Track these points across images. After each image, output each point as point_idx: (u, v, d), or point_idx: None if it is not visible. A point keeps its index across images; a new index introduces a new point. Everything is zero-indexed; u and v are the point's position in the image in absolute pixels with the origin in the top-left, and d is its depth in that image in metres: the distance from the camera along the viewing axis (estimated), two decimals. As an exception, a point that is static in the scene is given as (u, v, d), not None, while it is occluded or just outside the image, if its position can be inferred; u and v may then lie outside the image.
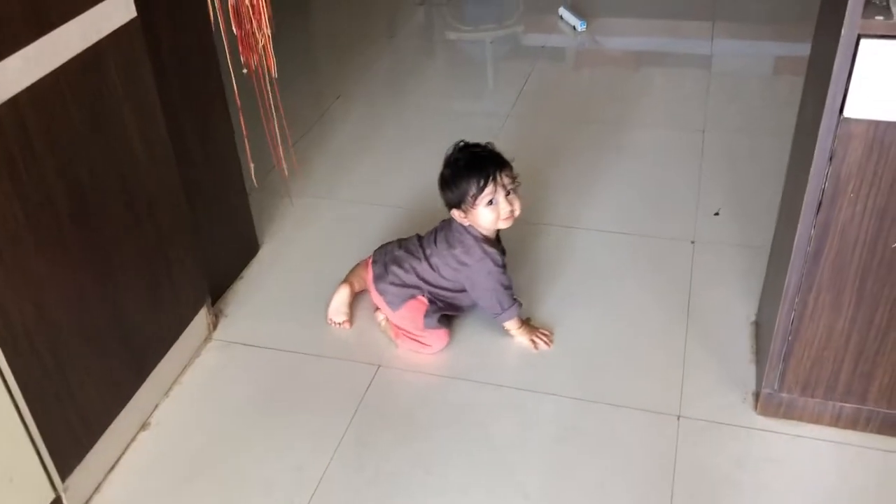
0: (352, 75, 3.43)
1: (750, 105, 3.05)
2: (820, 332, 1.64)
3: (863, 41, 1.32)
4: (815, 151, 1.45)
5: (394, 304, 2.02)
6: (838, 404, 1.73)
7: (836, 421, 1.75)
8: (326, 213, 2.56)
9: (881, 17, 1.31)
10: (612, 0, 4.08)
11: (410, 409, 1.87)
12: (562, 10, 3.83)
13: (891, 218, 1.47)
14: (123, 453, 1.79)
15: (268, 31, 1.61)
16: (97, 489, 1.71)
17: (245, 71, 1.69)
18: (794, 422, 1.78)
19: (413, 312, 2.00)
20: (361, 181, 2.71)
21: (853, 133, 1.41)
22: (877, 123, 1.39)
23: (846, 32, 1.32)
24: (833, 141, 1.43)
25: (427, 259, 2.01)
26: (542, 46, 3.63)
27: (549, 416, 1.84)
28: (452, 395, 1.91)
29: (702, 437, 1.77)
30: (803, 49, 1.79)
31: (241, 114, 1.87)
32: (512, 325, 2.02)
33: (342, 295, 2.12)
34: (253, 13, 1.55)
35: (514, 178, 1.94)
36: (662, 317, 2.09)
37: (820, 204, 1.50)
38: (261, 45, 1.62)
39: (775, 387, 1.75)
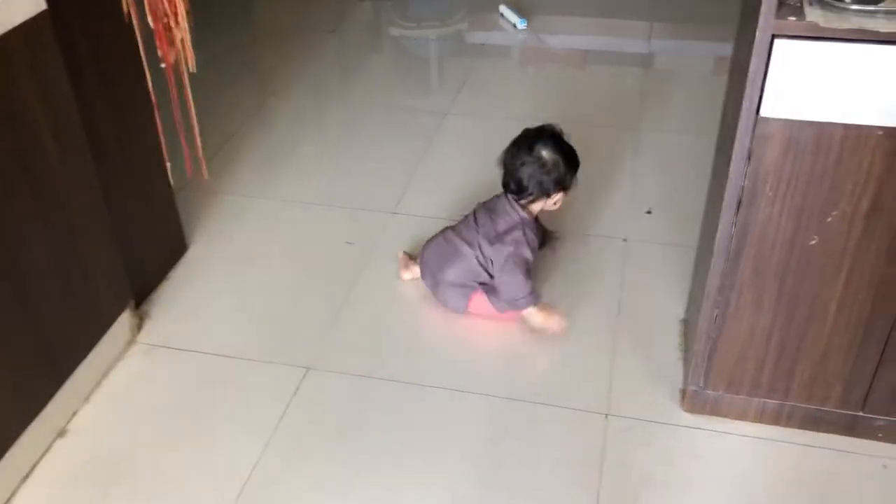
0: (291, 70, 3.38)
1: (686, 104, 3.08)
2: (743, 329, 1.66)
3: (777, 41, 1.33)
4: (734, 151, 1.45)
5: (460, 308, 2.08)
6: (762, 400, 1.75)
7: (760, 417, 1.77)
8: (258, 212, 2.52)
9: (794, 18, 1.32)
10: (551, 4, 4.10)
11: (338, 412, 1.84)
12: (502, 8, 3.82)
13: (807, 216, 1.49)
14: (38, 462, 1.72)
15: (185, 24, 1.56)
16: (8, 501, 1.64)
17: (163, 66, 1.64)
18: (719, 418, 1.80)
19: (481, 304, 2.06)
20: (295, 179, 2.67)
21: (770, 133, 1.42)
22: (792, 123, 1.40)
23: (761, 33, 1.33)
24: (751, 140, 1.44)
25: (479, 244, 2.05)
26: (483, 44, 3.62)
27: (478, 415, 1.83)
28: (381, 396, 1.88)
29: (629, 434, 1.78)
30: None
31: (156, 109, 1.82)
32: (531, 311, 2.02)
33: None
34: (169, 6, 1.51)
35: None
36: (592, 315, 2.10)
37: (739, 203, 1.51)
38: (179, 39, 1.57)
39: (701, 384, 1.77)
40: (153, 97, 1.77)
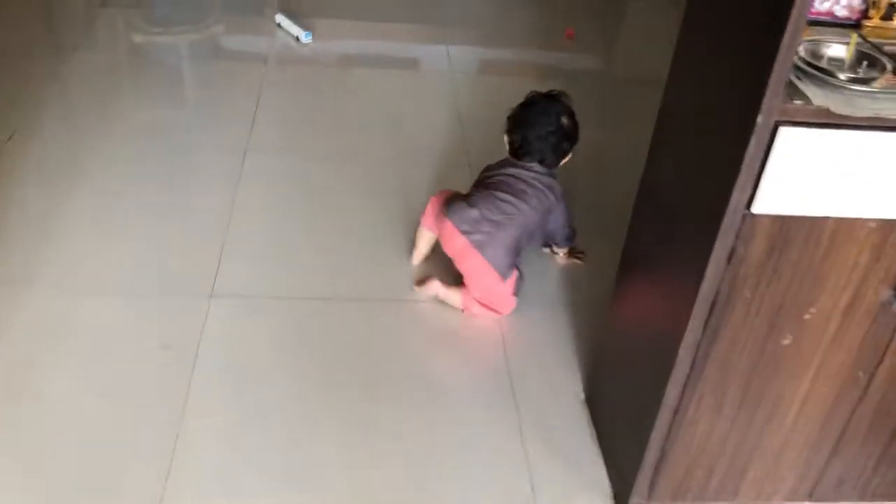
0: (32, 103, 2.66)
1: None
2: (698, 436, 1.44)
3: (781, 129, 1.10)
4: (713, 251, 1.21)
5: (506, 274, 2.00)
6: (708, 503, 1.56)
7: (704, 519, 1.59)
8: (19, 309, 1.89)
9: (801, 102, 1.09)
10: (332, 3, 3.68)
11: None
12: (280, 18, 3.34)
13: (784, 314, 1.29)
14: None
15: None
16: None
17: None
18: (660, 527, 1.58)
19: (512, 281, 2.02)
20: (66, 258, 2.05)
21: (757, 230, 1.19)
22: (783, 218, 1.19)
23: (764, 118, 1.08)
24: (735, 239, 1.20)
25: (527, 198, 2.03)
26: (265, 62, 3.12)
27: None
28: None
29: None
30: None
31: None
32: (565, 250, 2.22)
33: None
34: None
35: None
36: (490, 409, 1.79)
37: (712, 307, 1.27)
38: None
39: (645, 496, 1.54)
40: None
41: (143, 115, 2.71)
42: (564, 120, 2.08)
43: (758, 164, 1.13)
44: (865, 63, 1.17)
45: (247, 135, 2.62)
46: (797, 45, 1.04)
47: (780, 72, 1.04)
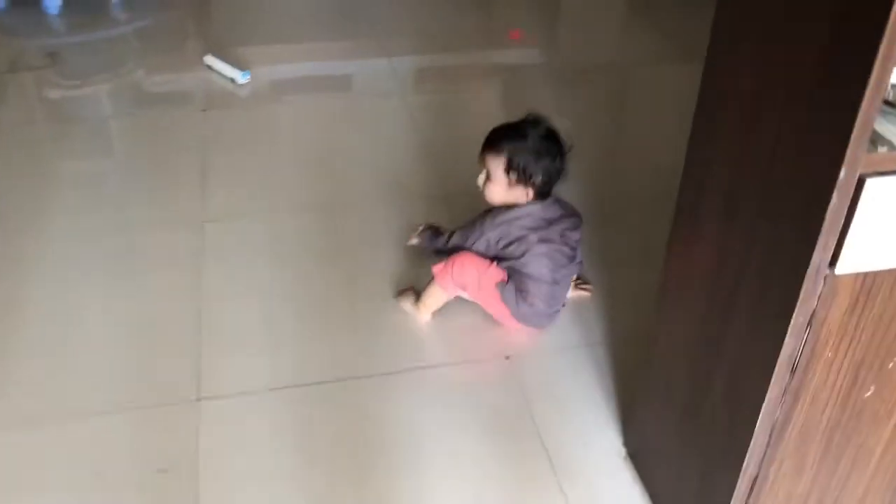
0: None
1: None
2: (780, 500, 1.32)
3: (868, 182, 0.96)
4: (794, 317, 1.08)
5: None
6: (788, 561, 1.44)
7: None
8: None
9: (885, 149, 0.96)
10: (259, 32, 3.46)
11: None
12: (210, 60, 3.11)
13: (867, 367, 1.17)
14: None
15: None
16: None
17: None
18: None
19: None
20: (15, 382, 1.83)
21: (839, 289, 1.06)
22: (866, 274, 1.06)
23: (847, 170, 0.95)
24: (817, 301, 1.07)
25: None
26: (205, 110, 2.89)
27: None
28: None
29: None
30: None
31: None
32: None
33: None
34: None
35: (504, 170, 1.87)
36: (529, 480, 1.64)
37: (793, 372, 1.14)
38: None
39: (723, 565, 1.41)
40: None
41: (76, 188, 2.46)
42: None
43: (841, 220, 0.99)
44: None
45: (200, 201, 2.40)
46: (886, 87, 0.90)
47: (865, 120, 0.91)
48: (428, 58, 3.33)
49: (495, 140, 1.89)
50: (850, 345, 1.13)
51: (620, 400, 1.81)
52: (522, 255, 1.87)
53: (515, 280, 1.89)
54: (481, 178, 1.92)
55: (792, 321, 1.08)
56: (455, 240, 1.99)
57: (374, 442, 1.71)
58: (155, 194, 2.44)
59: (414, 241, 2.14)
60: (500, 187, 1.89)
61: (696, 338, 1.35)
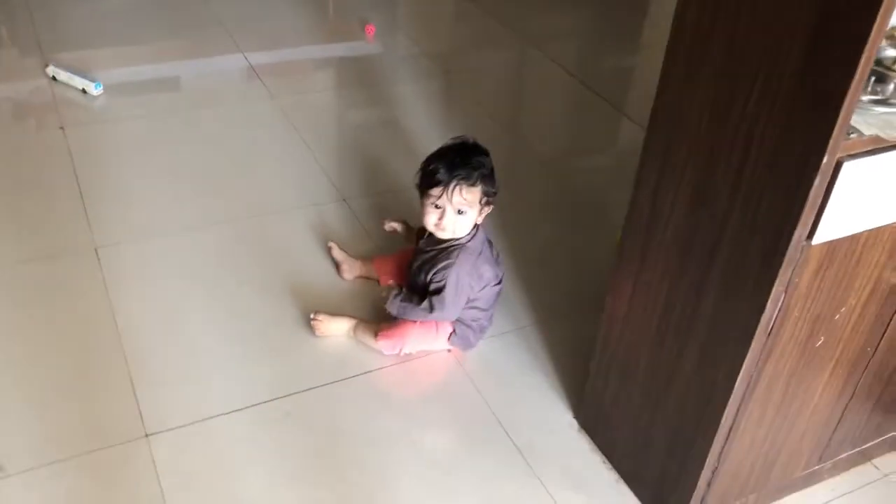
0: None
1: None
2: (744, 447, 1.48)
3: (845, 164, 1.12)
4: (775, 285, 1.22)
5: None
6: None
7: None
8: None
9: (855, 135, 1.12)
10: (97, 33, 3.23)
11: None
12: (53, 70, 2.87)
13: (820, 321, 1.35)
14: None
15: None
16: None
17: None
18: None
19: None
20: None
21: (811, 257, 1.22)
22: (833, 242, 1.22)
23: (829, 158, 1.09)
24: (793, 270, 1.22)
25: None
26: (62, 127, 2.67)
27: None
28: None
29: None
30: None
31: None
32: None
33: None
34: None
35: (478, 200, 1.82)
36: (483, 447, 1.73)
37: (769, 333, 1.30)
38: None
39: (696, 511, 1.57)
40: None
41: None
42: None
43: (819, 198, 1.15)
44: (873, 80, 1.22)
45: (86, 227, 2.23)
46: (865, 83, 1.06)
47: (846, 115, 1.06)
48: (284, 52, 3.29)
49: (460, 172, 1.79)
50: (812, 303, 1.30)
51: (563, 376, 1.93)
52: (482, 288, 1.91)
53: (462, 320, 1.92)
54: (433, 217, 1.83)
55: (773, 290, 1.23)
56: (423, 311, 1.86)
57: (341, 450, 1.72)
58: (35, 224, 2.24)
59: (388, 303, 1.93)
60: (471, 218, 1.84)
61: (661, 316, 1.48)
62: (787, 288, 1.24)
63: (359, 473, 1.67)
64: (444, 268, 1.83)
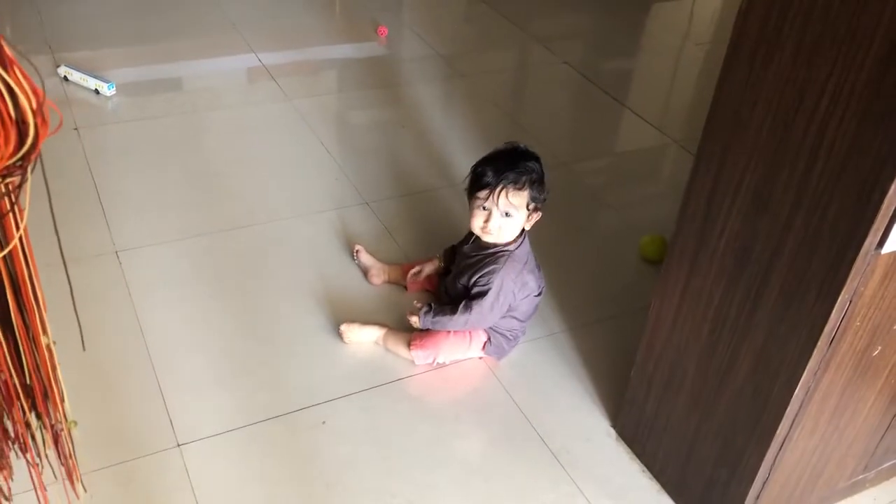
0: None
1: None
2: (795, 458, 1.46)
3: (921, 170, 1.10)
4: (841, 294, 1.20)
5: None
6: (788, 508, 1.60)
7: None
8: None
9: (932, 140, 1.10)
10: (107, 34, 3.19)
11: None
12: (65, 70, 2.82)
13: (880, 330, 1.33)
14: None
15: None
16: None
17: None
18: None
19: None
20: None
21: (878, 266, 1.20)
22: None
23: (908, 166, 1.07)
24: (859, 279, 1.20)
25: None
26: (76, 129, 2.63)
27: None
28: None
29: None
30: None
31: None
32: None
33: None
34: None
35: (525, 204, 1.79)
36: (524, 461, 1.70)
37: (831, 343, 1.27)
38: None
39: (744, 524, 1.54)
40: None
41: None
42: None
43: (893, 208, 1.12)
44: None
45: (106, 231, 2.19)
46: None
47: (926, 121, 1.04)
48: (293, 53, 3.25)
49: (508, 175, 1.76)
50: (874, 311, 1.28)
51: (598, 383, 1.90)
52: (525, 297, 1.88)
53: (498, 330, 1.89)
54: (480, 219, 1.80)
55: (839, 299, 1.20)
56: (460, 317, 1.82)
57: (378, 458, 1.69)
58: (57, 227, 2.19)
59: (413, 319, 1.89)
60: (518, 222, 1.81)
61: (713, 323, 1.45)
62: (852, 297, 1.22)
63: (398, 482, 1.64)
64: (490, 272, 1.80)
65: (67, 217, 2.22)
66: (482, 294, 1.80)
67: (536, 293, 1.90)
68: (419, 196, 2.45)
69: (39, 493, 0.91)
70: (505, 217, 1.79)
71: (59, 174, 2.39)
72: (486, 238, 1.83)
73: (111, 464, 1.61)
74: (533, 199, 1.81)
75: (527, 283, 1.85)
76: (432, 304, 1.89)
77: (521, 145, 1.87)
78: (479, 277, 1.81)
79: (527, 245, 1.88)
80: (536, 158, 1.84)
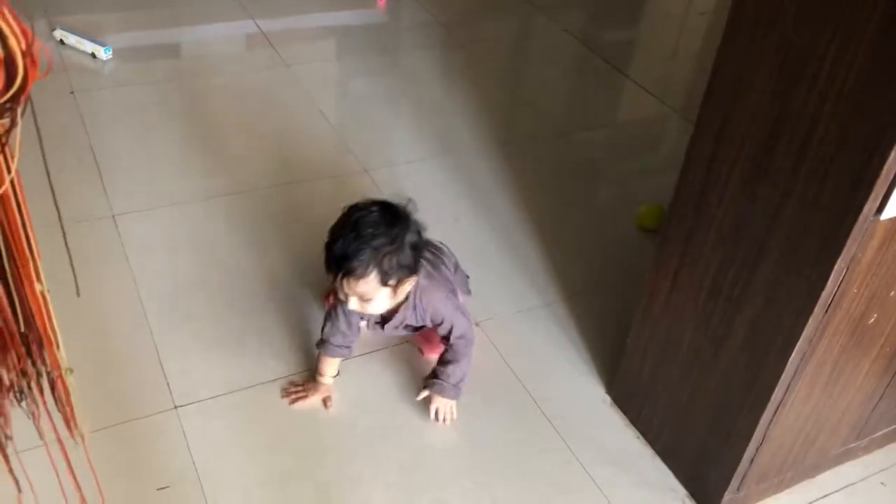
0: None
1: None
2: (788, 425, 1.47)
3: (919, 138, 1.09)
4: (838, 260, 1.20)
5: None
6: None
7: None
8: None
9: (928, 107, 1.09)
10: (111, 3, 3.15)
11: None
12: (61, 33, 2.80)
13: (876, 298, 1.33)
14: None
15: None
16: None
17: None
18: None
19: None
20: None
21: (876, 232, 1.20)
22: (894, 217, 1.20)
23: (906, 132, 1.07)
24: (857, 246, 1.20)
25: None
26: (73, 92, 2.61)
27: None
28: None
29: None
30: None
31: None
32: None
33: None
34: None
35: (378, 286, 1.52)
36: (523, 424, 1.71)
37: (827, 310, 1.28)
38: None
39: (735, 489, 1.55)
40: None
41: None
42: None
43: (893, 174, 1.12)
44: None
45: (103, 194, 2.18)
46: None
47: (928, 85, 1.03)
48: (293, 22, 3.22)
49: (342, 265, 1.50)
50: (871, 278, 1.28)
51: (594, 351, 1.91)
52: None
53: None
54: (353, 302, 1.56)
55: (837, 265, 1.21)
56: (463, 358, 1.71)
57: (374, 421, 1.70)
58: (48, 187, 2.18)
59: (442, 401, 1.72)
60: (384, 299, 1.57)
61: (710, 291, 1.45)
62: (849, 263, 1.22)
63: (394, 446, 1.65)
64: (432, 313, 1.68)
65: (64, 179, 2.20)
66: (449, 330, 1.70)
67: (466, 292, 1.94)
68: (417, 164, 2.44)
69: (38, 429, 0.91)
70: (365, 301, 1.56)
71: (55, 136, 2.37)
72: (369, 314, 1.66)
73: (108, 425, 1.61)
74: (383, 281, 1.52)
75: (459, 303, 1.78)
76: (434, 380, 1.72)
77: (387, 201, 1.60)
78: (431, 324, 1.71)
79: (425, 279, 1.66)
80: (403, 218, 1.56)
